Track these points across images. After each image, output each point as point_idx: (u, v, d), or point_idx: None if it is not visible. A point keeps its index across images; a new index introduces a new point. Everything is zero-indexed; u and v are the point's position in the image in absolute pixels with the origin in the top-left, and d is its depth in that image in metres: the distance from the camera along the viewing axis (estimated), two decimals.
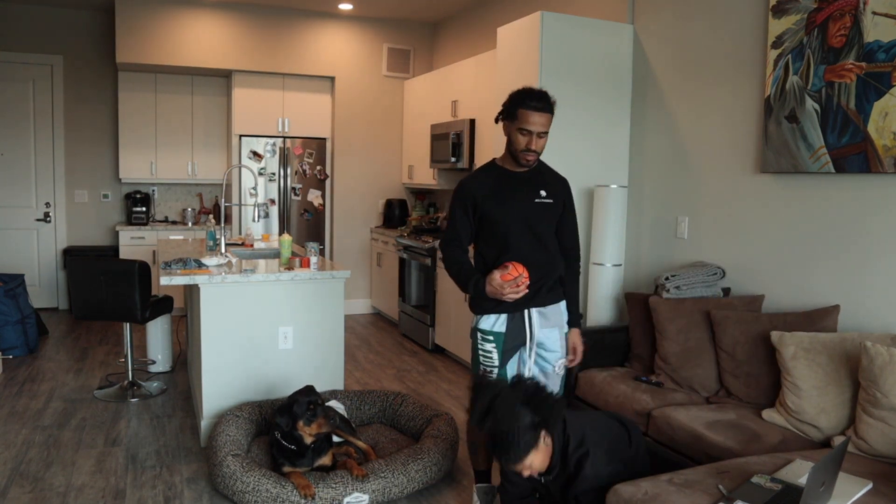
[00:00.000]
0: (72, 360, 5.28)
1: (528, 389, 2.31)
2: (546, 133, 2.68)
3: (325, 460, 3.10)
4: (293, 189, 6.99)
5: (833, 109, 3.03)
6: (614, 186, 3.98)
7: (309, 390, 3.11)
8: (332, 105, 7.09)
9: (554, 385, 2.85)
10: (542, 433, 2.31)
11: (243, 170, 6.78)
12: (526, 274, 2.63)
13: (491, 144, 5.22)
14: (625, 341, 3.68)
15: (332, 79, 7.04)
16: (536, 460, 2.31)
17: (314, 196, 7.09)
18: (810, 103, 3.13)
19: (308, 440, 3.04)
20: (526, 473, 2.32)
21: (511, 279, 2.61)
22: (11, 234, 6.86)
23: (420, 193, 7.24)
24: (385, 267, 6.82)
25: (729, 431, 2.70)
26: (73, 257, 4.41)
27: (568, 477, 2.39)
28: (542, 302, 2.79)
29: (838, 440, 2.56)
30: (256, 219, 6.57)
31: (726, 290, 3.52)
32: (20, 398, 4.36)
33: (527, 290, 2.66)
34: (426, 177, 6.55)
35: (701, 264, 3.61)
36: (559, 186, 2.86)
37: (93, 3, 6.58)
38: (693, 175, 3.87)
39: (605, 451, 2.40)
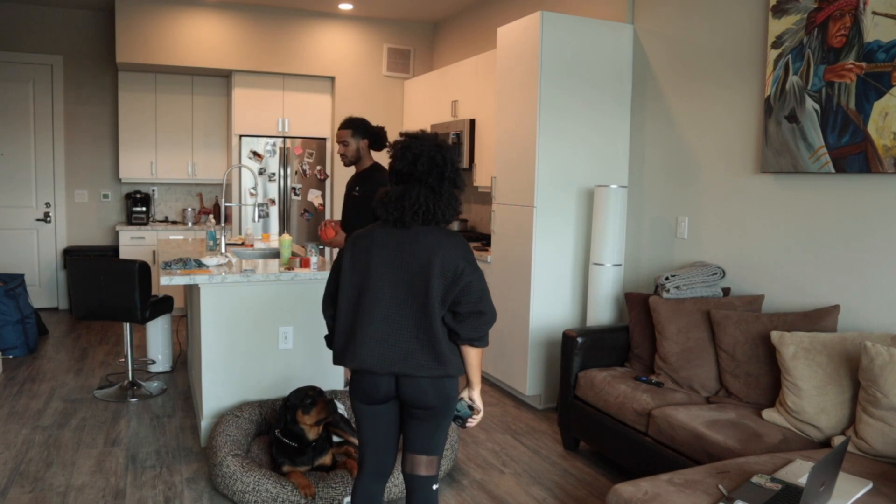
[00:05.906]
0: (72, 360, 5.28)
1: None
2: (344, 143, 3.91)
3: (326, 460, 3.10)
4: (293, 189, 6.99)
5: (833, 109, 3.03)
6: (614, 186, 3.98)
7: (309, 388, 3.12)
8: (332, 105, 7.09)
9: None
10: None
11: (243, 170, 6.78)
12: None
13: (491, 144, 5.22)
14: (625, 341, 3.69)
15: (332, 79, 7.04)
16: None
17: (314, 196, 7.08)
18: (810, 103, 3.13)
19: (310, 435, 3.05)
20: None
21: None
22: (11, 234, 6.86)
23: None
24: None
25: (729, 431, 2.70)
26: (73, 257, 4.41)
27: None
28: None
29: (838, 440, 2.56)
30: (256, 219, 6.56)
31: (726, 290, 3.52)
32: (20, 398, 4.36)
33: None
34: None
35: (701, 264, 3.61)
36: None
37: (93, 3, 6.58)
38: (693, 175, 3.87)
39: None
